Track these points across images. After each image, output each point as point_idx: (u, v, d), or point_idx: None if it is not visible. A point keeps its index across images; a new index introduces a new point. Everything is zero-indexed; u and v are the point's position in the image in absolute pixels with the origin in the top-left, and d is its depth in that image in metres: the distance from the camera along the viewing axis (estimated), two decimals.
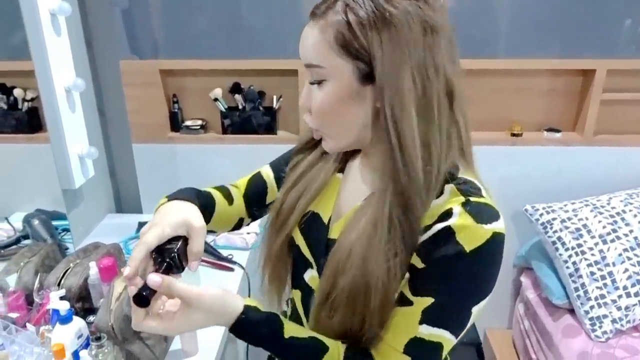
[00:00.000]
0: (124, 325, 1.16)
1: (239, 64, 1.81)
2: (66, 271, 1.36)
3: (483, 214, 0.64)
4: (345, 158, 0.83)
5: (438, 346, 0.68)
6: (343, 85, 0.66)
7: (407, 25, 0.61)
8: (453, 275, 0.66)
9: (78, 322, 1.16)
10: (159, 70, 1.82)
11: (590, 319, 1.62)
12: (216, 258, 1.65)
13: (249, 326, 0.70)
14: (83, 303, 1.35)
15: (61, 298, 1.30)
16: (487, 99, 1.93)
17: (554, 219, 1.77)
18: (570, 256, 1.70)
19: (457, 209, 0.64)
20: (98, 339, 1.10)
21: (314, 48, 0.66)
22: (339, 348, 0.72)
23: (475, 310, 0.68)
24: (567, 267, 1.70)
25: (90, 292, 1.35)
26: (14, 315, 1.24)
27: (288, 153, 0.94)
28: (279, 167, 0.94)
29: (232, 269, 1.62)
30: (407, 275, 0.69)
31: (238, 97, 1.86)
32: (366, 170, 0.78)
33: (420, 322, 0.67)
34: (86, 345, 1.13)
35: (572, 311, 1.71)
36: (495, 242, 0.64)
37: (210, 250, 1.68)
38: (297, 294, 0.88)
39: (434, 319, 0.67)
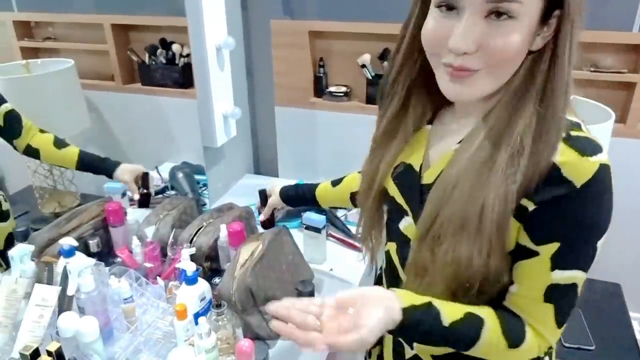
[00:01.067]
0: (245, 295, 1.12)
1: (391, 28, 1.65)
2: (199, 229, 1.37)
3: (586, 147, 0.64)
4: (433, 109, 0.82)
5: (574, 287, 0.69)
6: (531, 23, 0.63)
7: None
8: (571, 215, 0.66)
9: (202, 285, 1.15)
10: (307, 32, 1.74)
11: None
12: (345, 235, 1.56)
13: (411, 329, 0.70)
14: (211, 263, 1.36)
15: (191, 256, 1.32)
16: None
17: None
18: None
19: (558, 145, 0.65)
20: (218, 306, 1.08)
21: None
22: (492, 316, 0.72)
23: (599, 244, 0.69)
24: None
25: (218, 254, 1.36)
26: (149, 265, 1.29)
27: None
28: None
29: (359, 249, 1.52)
30: (520, 227, 0.69)
31: (386, 64, 1.72)
32: (465, 115, 0.77)
33: (552, 269, 0.68)
34: (207, 309, 1.12)
35: None
36: (604, 173, 0.64)
37: (340, 226, 1.59)
38: (392, 246, 0.88)
39: (565, 263, 0.68)
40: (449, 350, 0.84)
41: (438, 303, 0.72)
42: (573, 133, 0.66)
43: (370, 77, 1.76)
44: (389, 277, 0.91)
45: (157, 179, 1.76)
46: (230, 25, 1.61)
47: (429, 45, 0.70)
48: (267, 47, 1.79)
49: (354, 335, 0.63)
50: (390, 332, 0.69)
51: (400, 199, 0.83)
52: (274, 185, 1.29)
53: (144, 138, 1.73)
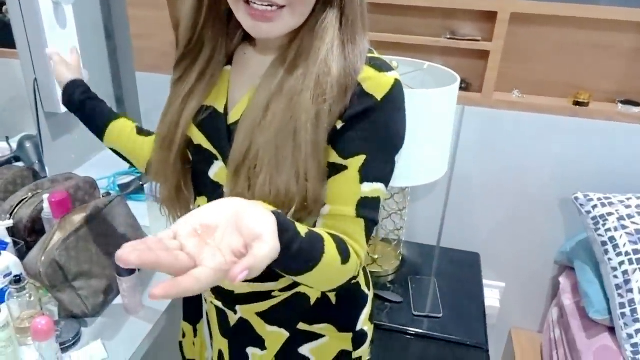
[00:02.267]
0: (52, 270, 1.02)
1: None
2: (22, 200, 1.25)
3: (382, 65, 0.72)
4: (228, 51, 0.81)
5: (378, 200, 0.72)
6: None
7: None
8: (375, 127, 0.70)
9: (6, 259, 1.04)
10: None
11: (634, 345, 1.30)
12: None
13: (288, 236, 0.56)
14: (36, 238, 1.24)
15: (12, 229, 1.20)
16: (550, 55, 1.56)
17: (609, 214, 1.43)
18: (622, 263, 1.36)
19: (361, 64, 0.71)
20: (18, 281, 0.97)
21: None
22: (323, 231, 0.67)
23: (397, 159, 0.74)
24: (616, 277, 1.36)
25: (45, 227, 1.24)
26: None
27: None
28: None
29: None
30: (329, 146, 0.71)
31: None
32: (264, 50, 0.78)
33: (361, 182, 0.70)
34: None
35: (611, 330, 1.40)
36: (399, 87, 0.71)
37: None
38: (202, 201, 0.85)
39: (371, 175, 0.71)
40: (272, 302, 0.85)
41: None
42: (369, 55, 0.72)
43: None
44: None
45: (4, 149, 1.60)
46: None
47: None
48: (122, 5, 1.66)
49: (262, 246, 0.47)
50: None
51: (207, 144, 0.81)
52: (70, 68, 1.09)
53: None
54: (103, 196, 1.41)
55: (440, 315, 1.45)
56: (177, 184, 0.87)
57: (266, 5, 0.66)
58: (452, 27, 1.57)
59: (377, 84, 0.69)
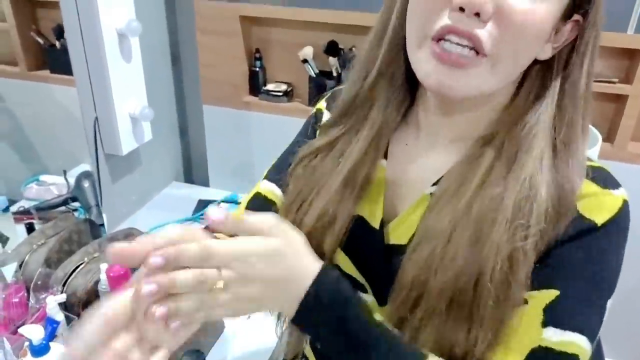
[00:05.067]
0: None
1: (336, 17, 1.36)
2: (78, 267, 1.09)
3: (607, 178, 0.53)
4: (384, 140, 0.60)
5: (570, 358, 0.49)
6: (558, 10, 0.49)
7: None
8: (584, 257, 0.51)
9: (57, 353, 0.88)
10: (239, 17, 1.43)
11: None
12: None
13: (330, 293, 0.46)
14: None
15: (65, 304, 1.04)
16: None
17: None
18: None
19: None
20: None
21: None
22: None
23: (609, 304, 0.51)
24: None
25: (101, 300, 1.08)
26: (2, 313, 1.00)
27: (292, 149, 0.70)
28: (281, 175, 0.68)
29: None
30: None
31: (333, 60, 1.42)
32: (435, 138, 0.58)
33: (544, 325, 0.50)
34: None
35: None
36: (627, 212, 0.52)
37: None
38: None
39: (562, 319, 0.49)
40: None
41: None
42: (589, 163, 0.53)
43: (313, 75, 1.47)
44: None
45: (62, 186, 1.48)
46: (140, 7, 1.30)
47: (423, 6, 0.49)
48: (192, 33, 1.50)
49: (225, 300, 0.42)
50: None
51: (351, 270, 0.61)
52: None
53: (57, 135, 1.43)
54: None
55: None
56: None
57: (464, 46, 0.47)
58: None
59: (599, 205, 0.51)
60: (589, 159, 0.54)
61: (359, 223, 0.59)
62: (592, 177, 0.52)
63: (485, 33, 0.47)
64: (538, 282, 0.51)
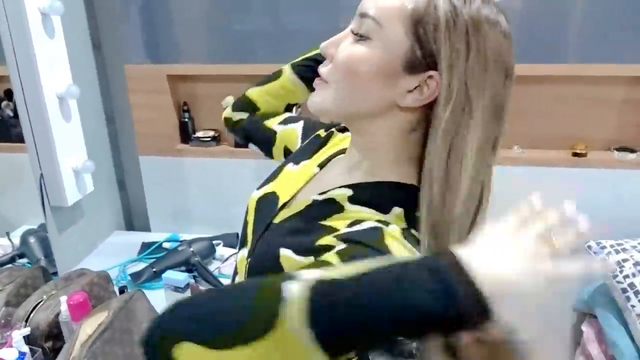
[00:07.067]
0: None
1: (255, 69, 1.61)
2: (37, 304, 1.20)
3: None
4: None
5: None
6: (389, 56, 0.57)
7: (494, 58, 0.56)
8: None
9: None
10: (166, 76, 1.64)
11: None
12: None
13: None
14: (54, 342, 1.18)
15: (28, 337, 1.15)
16: (547, 111, 1.62)
17: (625, 260, 1.44)
18: None
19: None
20: None
21: (385, 2, 0.57)
22: None
23: None
24: None
25: (62, 331, 1.18)
26: None
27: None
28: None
29: None
30: None
31: None
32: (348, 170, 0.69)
33: None
34: None
35: None
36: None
37: (212, 281, 1.48)
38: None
39: None
40: None
41: None
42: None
43: None
44: None
45: (6, 247, 1.56)
46: (77, 72, 1.48)
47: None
48: (124, 93, 1.68)
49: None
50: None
51: (250, 228, 0.75)
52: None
53: None
54: (119, 289, 1.37)
55: None
56: None
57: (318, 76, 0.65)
58: None
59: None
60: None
61: (273, 197, 0.74)
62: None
63: (325, 69, 0.63)
64: None
